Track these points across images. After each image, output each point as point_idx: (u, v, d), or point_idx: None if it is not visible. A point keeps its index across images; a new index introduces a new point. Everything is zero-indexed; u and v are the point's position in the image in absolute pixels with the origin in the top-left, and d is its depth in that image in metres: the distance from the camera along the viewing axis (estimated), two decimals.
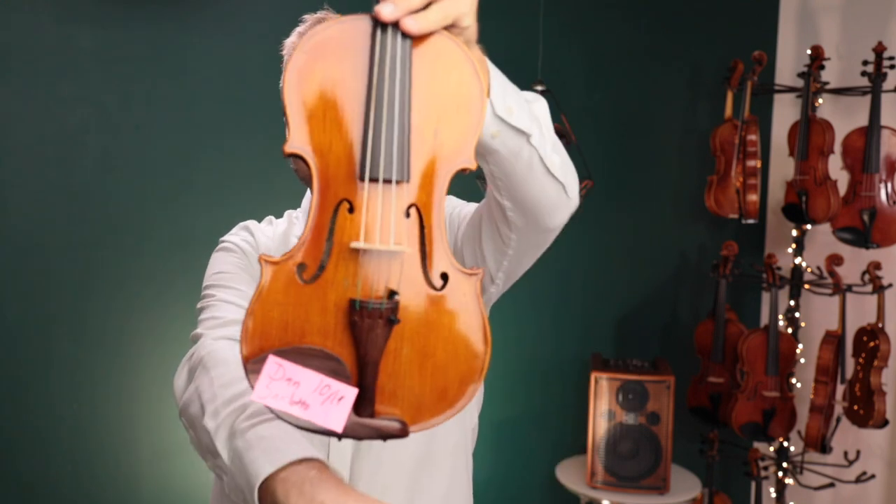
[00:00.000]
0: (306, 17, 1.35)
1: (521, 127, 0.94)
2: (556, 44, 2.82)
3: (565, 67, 2.97)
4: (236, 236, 1.38)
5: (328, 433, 0.75)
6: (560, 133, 2.50)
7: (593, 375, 2.80)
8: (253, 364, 0.74)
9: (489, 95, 0.88)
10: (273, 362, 0.74)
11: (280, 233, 1.39)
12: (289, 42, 1.36)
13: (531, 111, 0.98)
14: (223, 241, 1.38)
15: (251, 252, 1.35)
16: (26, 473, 2.69)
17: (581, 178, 2.50)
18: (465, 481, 1.38)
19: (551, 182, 1.03)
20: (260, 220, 1.44)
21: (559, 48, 2.88)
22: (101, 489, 2.76)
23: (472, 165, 0.79)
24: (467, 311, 0.79)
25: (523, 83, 2.45)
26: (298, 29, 1.35)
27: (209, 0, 2.74)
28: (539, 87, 2.50)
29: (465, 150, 0.79)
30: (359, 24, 0.76)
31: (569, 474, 2.90)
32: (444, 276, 0.79)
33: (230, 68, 2.76)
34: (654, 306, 3.22)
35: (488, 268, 1.25)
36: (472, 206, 1.29)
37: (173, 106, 2.72)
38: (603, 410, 2.80)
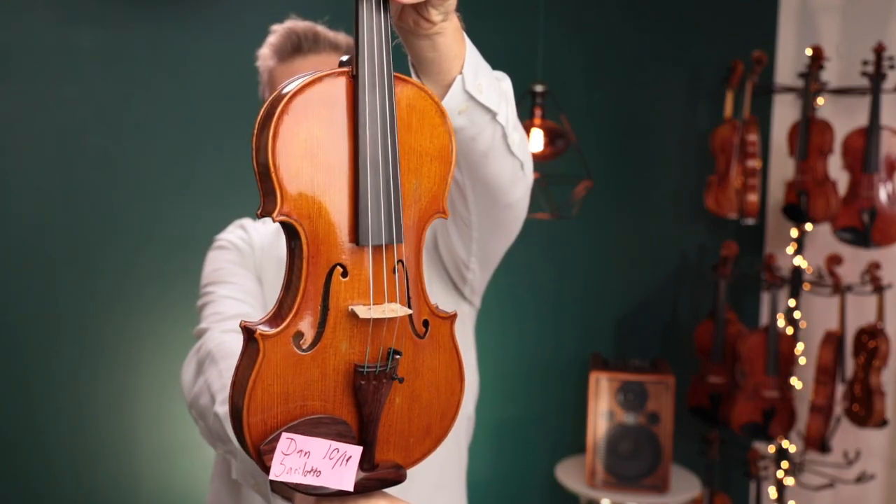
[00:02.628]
0: (275, 27, 1.36)
1: (489, 105, 0.94)
2: (556, 44, 2.81)
3: (565, 67, 2.97)
4: (231, 234, 1.40)
5: (340, 494, 0.77)
6: (560, 133, 2.50)
7: (593, 375, 2.80)
8: (266, 445, 0.73)
9: (462, 71, 0.89)
10: (285, 438, 0.73)
11: (273, 230, 1.40)
12: (263, 53, 1.38)
13: (500, 88, 0.98)
14: (218, 240, 1.40)
15: (246, 248, 1.37)
16: (26, 473, 2.69)
17: (581, 178, 2.51)
18: (457, 472, 1.38)
19: (510, 159, 1.04)
20: (255, 220, 1.45)
21: (559, 48, 2.88)
22: (101, 489, 2.76)
23: (446, 214, 0.80)
24: (446, 352, 0.82)
25: (523, 83, 2.46)
26: (270, 40, 1.37)
27: (209, 0, 2.74)
28: (539, 87, 2.50)
29: (441, 198, 0.80)
30: (339, 80, 0.74)
31: (568, 474, 2.90)
32: (426, 324, 0.81)
33: (230, 68, 2.75)
34: (654, 306, 3.22)
35: (460, 255, 1.26)
36: None
37: (173, 106, 2.72)
38: (603, 410, 2.80)
